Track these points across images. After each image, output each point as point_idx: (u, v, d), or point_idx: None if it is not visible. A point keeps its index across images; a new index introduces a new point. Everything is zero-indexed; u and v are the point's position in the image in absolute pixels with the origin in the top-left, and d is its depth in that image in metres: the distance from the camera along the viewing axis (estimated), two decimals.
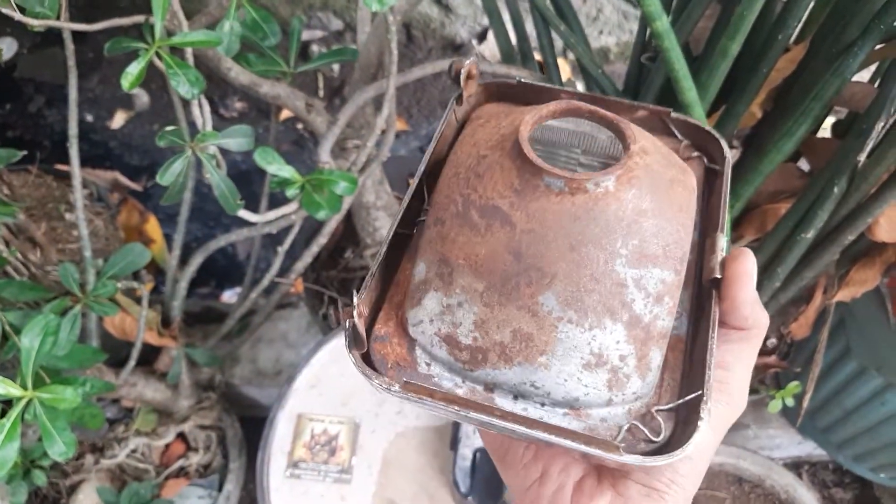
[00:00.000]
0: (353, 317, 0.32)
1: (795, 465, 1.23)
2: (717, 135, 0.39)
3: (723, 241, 0.35)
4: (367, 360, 0.34)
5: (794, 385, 0.97)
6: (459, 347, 0.32)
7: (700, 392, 0.30)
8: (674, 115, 0.39)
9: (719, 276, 0.33)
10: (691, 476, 0.32)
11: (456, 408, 0.31)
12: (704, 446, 0.32)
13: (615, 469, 0.33)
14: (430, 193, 0.38)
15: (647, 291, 0.31)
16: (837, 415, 1.02)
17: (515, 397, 0.33)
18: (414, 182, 0.37)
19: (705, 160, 0.40)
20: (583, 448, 0.30)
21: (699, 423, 0.29)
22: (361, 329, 0.32)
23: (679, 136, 0.40)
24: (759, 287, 0.80)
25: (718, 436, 0.33)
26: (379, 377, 0.32)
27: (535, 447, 0.36)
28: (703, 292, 0.35)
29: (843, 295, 0.84)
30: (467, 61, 0.39)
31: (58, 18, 0.67)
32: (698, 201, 0.37)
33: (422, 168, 0.38)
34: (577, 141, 0.39)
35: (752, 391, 1.06)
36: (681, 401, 0.32)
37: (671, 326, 0.32)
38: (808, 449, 1.18)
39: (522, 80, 0.41)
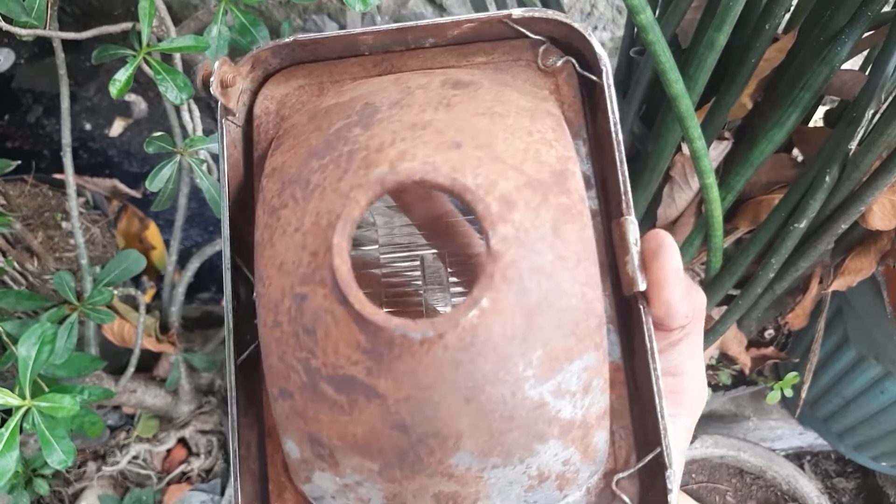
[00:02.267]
0: None
1: (797, 456, 1.23)
2: (582, 29, 0.29)
3: (635, 228, 0.27)
4: None
5: (792, 376, 0.97)
6: None
7: (658, 450, 0.26)
8: (516, 15, 0.29)
9: (642, 290, 0.27)
10: None
11: None
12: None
13: None
14: (251, 270, 0.29)
15: (571, 393, 0.25)
16: (837, 404, 1.01)
17: None
18: (226, 277, 0.28)
19: (576, 66, 0.30)
20: None
21: (668, 485, 0.26)
22: None
23: (534, 36, 0.30)
24: (754, 279, 0.79)
25: (684, 448, 0.31)
26: None
27: None
28: (623, 293, 0.29)
29: (839, 284, 0.84)
30: (217, 62, 0.29)
31: (45, 28, 0.67)
32: (585, 122, 0.30)
33: (227, 254, 0.29)
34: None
35: (751, 382, 1.06)
36: (639, 465, 0.28)
37: (607, 401, 0.27)
38: (809, 439, 1.18)
39: (298, 38, 0.30)
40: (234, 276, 0.29)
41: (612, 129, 0.28)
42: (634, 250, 0.27)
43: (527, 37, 0.30)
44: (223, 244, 0.29)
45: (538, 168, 0.25)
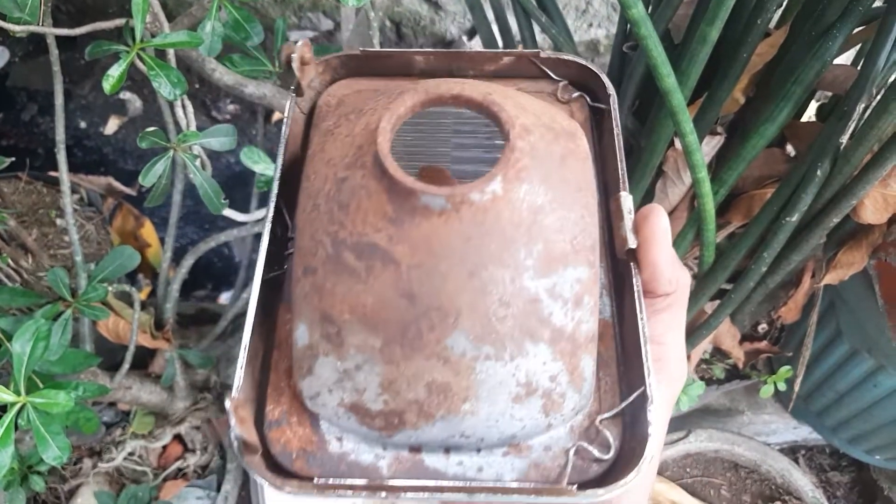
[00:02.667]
0: (233, 428, 0.26)
1: (792, 450, 1.23)
2: (595, 69, 0.35)
3: (629, 200, 0.31)
4: (266, 456, 0.29)
5: (785, 370, 0.97)
6: (370, 415, 0.28)
7: (642, 389, 0.28)
8: (544, 54, 0.36)
9: (634, 247, 0.30)
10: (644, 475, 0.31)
11: (384, 494, 0.27)
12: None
13: None
14: (292, 217, 0.32)
15: (563, 298, 0.27)
16: (831, 398, 1.02)
17: (447, 451, 0.29)
18: (270, 206, 0.32)
19: (588, 99, 0.36)
20: (534, 500, 0.27)
21: (648, 430, 0.27)
22: (250, 435, 0.26)
23: (555, 77, 0.36)
24: (747, 273, 0.80)
25: (663, 422, 0.32)
26: (288, 483, 0.27)
27: None
28: (618, 262, 0.32)
29: (831, 278, 0.84)
30: (299, 43, 0.33)
31: (39, 24, 0.67)
32: (591, 148, 0.34)
33: (275, 189, 0.32)
34: (446, 123, 0.35)
35: (745, 377, 1.06)
36: (623, 404, 0.29)
37: (596, 326, 0.29)
38: (803, 433, 1.18)
39: (365, 49, 0.36)
40: (277, 208, 0.32)
41: (616, 134, 0.34)
42: (628, 217, 0.31)
43: (549, 76, 0.37)
44: (274, 179, 0.32)
45: (553, 121, 0.30)
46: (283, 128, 0.34)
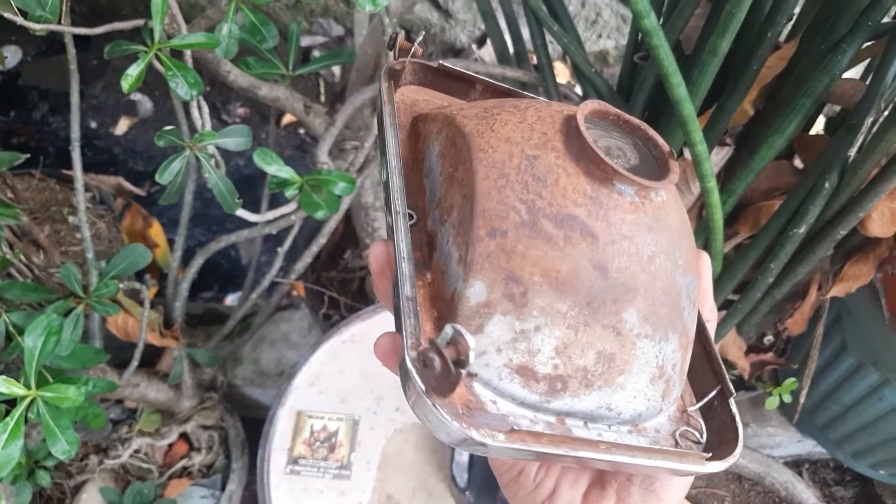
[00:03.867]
0: (422, 356, 0.26)
1: (796, 464, 1.23)
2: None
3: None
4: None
5: (790, 382, 0.97)
6: (536, 378, 0.28)
7: (720, 387, 0.33)
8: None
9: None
10: (686, 479, 0.34)
11: (565, 449, 0.27)
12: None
13: (617, 475, 0.33)
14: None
15: (690, 299, 0.32)
16: (836, 411, 1.02)
17: (586, 423, 0.30)
18: (394, 174, 0.32)
19: None
20: (674, 466, 0.29)
21: (736, 423, 0.31)
22: (449, 364, 0.25)
23: None
24: (754, 284, 0.80)
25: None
26: (484, 430, 0.27)
27: (548, 465, 0.35)
28: None
29: (838, 290, 0.84)
30: (402, 33, 0.37)
31: (59, 23, 0.68)
32: None
33: (393, 162, 0.33)
34: None
35: (750, 388, 1.06)
36: (709, 397, 0.33)
37: (693, 331, 0.33)
38: (808, 447, 1.18)
39: (442, 63, 0.38)
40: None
41: None
42: None
43: None
44: (391, 155, 0.33)
45: None
46: (386, 109, 0.35)
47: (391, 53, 0.36)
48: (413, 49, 0.36)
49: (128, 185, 1.46)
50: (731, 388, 0.32)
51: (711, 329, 0.36)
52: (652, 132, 0.31)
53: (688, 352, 0.32)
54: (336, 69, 1.85)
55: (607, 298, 0.28)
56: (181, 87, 0.68)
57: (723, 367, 0.33)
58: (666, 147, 0.31)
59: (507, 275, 0.28)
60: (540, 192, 0.29)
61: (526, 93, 0.39)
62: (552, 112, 0.32)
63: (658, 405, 0.31)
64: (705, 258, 0.36)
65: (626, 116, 0.32)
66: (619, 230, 0.29)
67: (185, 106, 0.78)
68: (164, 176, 0.65)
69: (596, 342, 0.29)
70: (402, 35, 0.36)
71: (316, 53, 1.86)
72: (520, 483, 0.35)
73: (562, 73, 1.80)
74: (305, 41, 1.87)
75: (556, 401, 0.29)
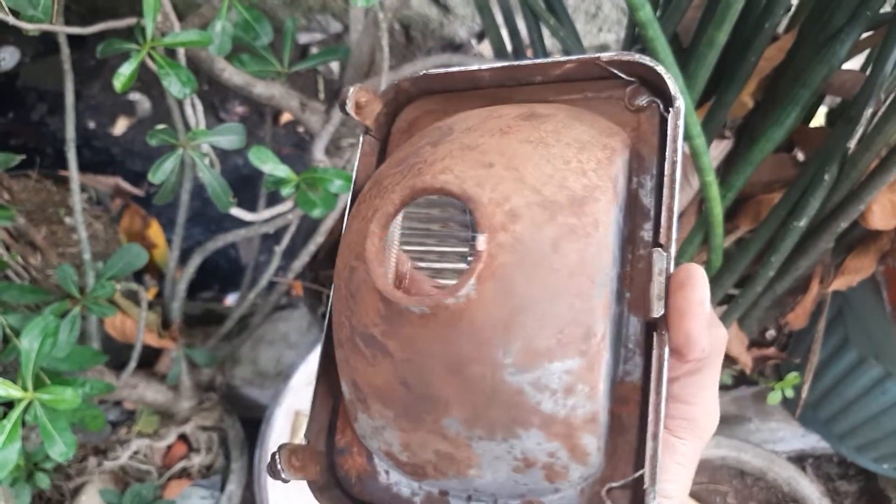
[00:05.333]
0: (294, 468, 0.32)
1: (799, 459, 1.22)
2: (661, 71, 0.31)
3: (662, 260, 0.28)
4: (333, 472, 0.33)
5: (793, 376, 0.97)
6: (400, 463, 0.31)
7: (642, 471, 0.27)
8: (605, 57, 0.32)
9: (657, 316, 0.28)
10: None
11: None
12: (682, 486, 0.31)
13: None
14: None
15: (551, 390, 0.27)
16: (839, 405, 1.01)
17: (469, 498, 0.31)
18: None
19: (661, 107, 0.32)
20: None
21: None
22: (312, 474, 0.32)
23: (627, 78, 0.33)
24: (754, 278, 0.79)
25: (690, 470, 0.31)
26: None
27: None
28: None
29: (839, 284, 0.84)
30: (352, 89, 0.34)
31: (52, 23, 0.68)
32: (657, 159, 0.32)
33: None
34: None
35: (752, 383, 1.06)
36: (629, 478, 0.29)
37: (599, 408, 0.28)
38: (811, 442, 1.18)
39: (427, 72, 0.36)
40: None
41: (671, 163, 0.30)
42: (657, 280, 0.28)
43: (619, 77, 0.33)
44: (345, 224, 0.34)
45: (556, 191, 0.28)
46: (354, 165, 0.36)
47: (347, 113, 0.35)
48: (355, 100, 0.35)
49: (126, 186, 1.46)
50: (651, 479, 0.27)
51: (715, 364, 0.31)
52: (475, 200, 0.27)
53: (577, 437, 0.28)
54: (335, 66, 1.84)
55: (420, 410, 0.29)
56: (174, 86, 0.67)
57: (653, 447, 0.27)
58: (484, 224, 0.27)
59: (351, 381, 0.31)
60: (353, 310, 0.30)
61: (529, 62, 0.35)
62: (389, 196, 0.30)
63: (545, 486, 0.29)
64: (691, 287, 0.27)
65: (449, 188, 0.28)
66: (410, 347, 0.28)
67: (181, 104, 0.77)
68: (157, 175, 0.64)
69: (428, 443, 0.29)
70: (353, 92, 0.34)
71: (314, 51, 1.86)
72: None
73: None
74: (303, 38, 1.87)
75: (425, 482, 0.31)
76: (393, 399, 0.29)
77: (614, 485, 0.29)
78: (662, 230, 0.29)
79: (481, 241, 0.27)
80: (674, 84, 0.31)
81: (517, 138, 0.30)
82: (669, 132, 0.30)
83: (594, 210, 0.28)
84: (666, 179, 0.30)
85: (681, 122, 0.30)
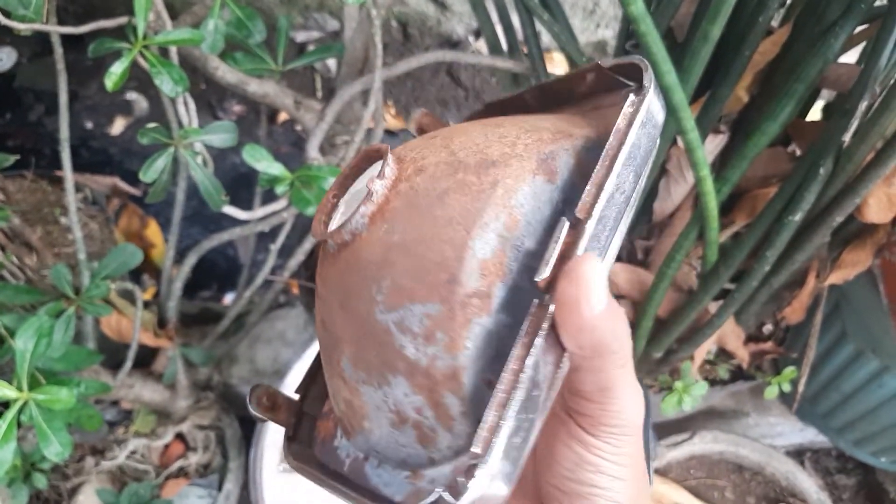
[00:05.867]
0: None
1: (798, 453, 1.22)
2: (637, 60, 0.30)
3: (563, 228, 0.27)
4: (313, 433, 0.35)
5: (790, 370, 0.97)
6: (335, 419, 0.33)
7: (468, 447, 0.25)
8: (604, 63, 0.32)
9: (539, 279, 0.26)
10: None
11: (315, 481, 0.32)
12: (624, 489, 0.29)
13: None
14: None
15: (413, 333, 0.27)
16: (836, 399, 1.01)
17: (380, 463, 0.30)
18: None
19: (631, 94, 0.31)
20: None
21: (469, 482, 0.25)
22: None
23: (627, 82, 0.32)
24: (750, 273, 0.79)
25: (631, 466, 0.29)
26: (290, 457, 0.34)
27: None
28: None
29: (836, 277, 0.83)
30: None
31: (45, 22, 0.68)
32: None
33: None
34: None
35: (750, 377, 1.06)
36: (457, 459, 0.27)
37: (460, 366, 0.27)
38: (809, 436, 1.18)
39: (490, 102, 0.37)
40: None
41: (613, 137, 0.29)
42: (552, 246, 0.27)
43: (624, 84, 0.32)
44: None
45: (470, 155, 0.29)
46: None
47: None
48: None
49: (124, 186, 1.46)
50: (489, 450, 0.25)
51: (613, 359, 0.27)
52: (381, 152, 0.30)
53: (439, 393, 0.27)
54: (332, 64, 1.84)
55: (331, 351, 0.31)
56: (166, 84, 0.67)
57: (494, 422, 0.25)
58: (382, 169, 0.29)
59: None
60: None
61: (557, 78, 0.35)
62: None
63: (421, 453, 0.28)
64: (575, 279, 0.25)
65: (372, 151, 0.31)
66: (324, 283, 0.30)
67: (174, 103, 0.77)
68: (149, 174, 0.64)
69: (340, 391, 0.30)
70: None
71: (311, 49, 1.85)
72: None
73: (560, 64, 1.79)
74: (301, 37, 1.87)
75: (351, 440, 0.32)
76: (322, 345, 0.31)
77: (474, 462, 0.25)
78: (581, 203, 0.27)
79: (379, 186, 0.29)
80: (649, 73, 0.30)
81: (480, 123, 0.32)
82: (625, 110, 0.29)
83: (499, 173, 0.28)
84: (604, 152, 0.28)
85: (645, 106, 0.29)
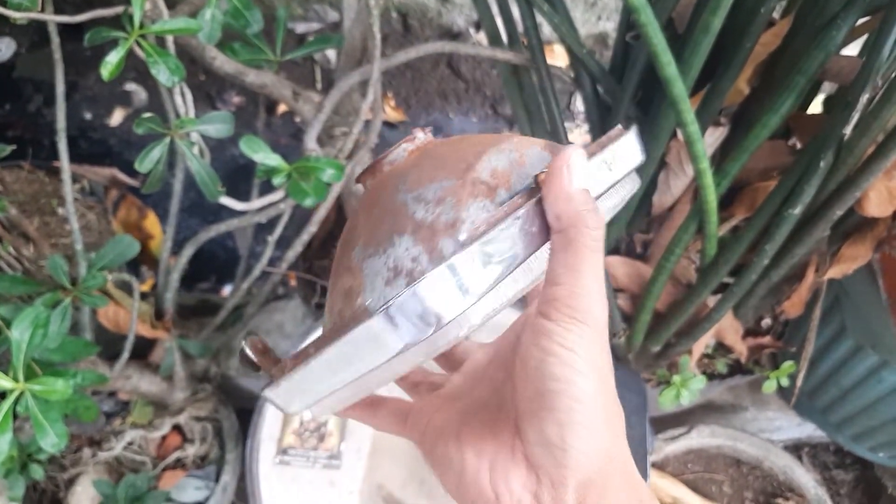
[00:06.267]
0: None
1: (796, 447, 1.22)
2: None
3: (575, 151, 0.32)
4: None
5: (788, 365, 0.96)
6: None
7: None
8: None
9: (537, 174, 0.32)
10: (580, 416, 0.30)
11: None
12: (574, 374, 0.30)
13: (524, 441, 0.32)
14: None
15: (426, 201, 0.33)
16: (835, 394, 1.01)
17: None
18: None
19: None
20: (342, 341, 0.31)
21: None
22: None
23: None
24: (749, 266, 0.79)
25: (583, 360, 0.30)
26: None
27: (456, 440, 0.35)
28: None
29: (835, 272, 0.83)
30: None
31: (42, 11, 0.67)
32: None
33: None
34: None
35: (748, 372, 1.05)
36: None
37: (461, 217, 0.32)
38: (808, 431, 1.17)
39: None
40: None
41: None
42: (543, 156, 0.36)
43: None
44: None
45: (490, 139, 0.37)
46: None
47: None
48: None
49: (122, 177, 1.45)
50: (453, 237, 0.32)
51: (579, 246, 0.31)
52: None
53: (437, 239, 0.32)
54: (332, 55, 1.83)
55: (340, 259, 0.35)
56: (163, 74, 0.67)
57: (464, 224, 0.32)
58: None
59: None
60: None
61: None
62: None
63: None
64: (564, 155, 0.31)
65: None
66: (359, 209, 0.37)
67: (171, 92, 0.77)
68: (144, 164, 0.64)
69: (341, 283, 0.34)
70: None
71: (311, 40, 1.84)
72: (441, 468, 0.36)
73: (561, 56, 1.78)
74: (301, 28, 1.86)
75: None
76: (334, 270, 0.35)
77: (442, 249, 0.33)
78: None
79: (421, 134, 0.37)
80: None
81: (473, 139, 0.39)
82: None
83: (513, 138, 0.36)
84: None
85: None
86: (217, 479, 1.01)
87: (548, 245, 0.32)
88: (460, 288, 0.29)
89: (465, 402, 0.38)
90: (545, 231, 0.31)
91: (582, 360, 0.30)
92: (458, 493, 0.34)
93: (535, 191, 0.32)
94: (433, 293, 0.29)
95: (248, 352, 0.35)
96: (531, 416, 0.31)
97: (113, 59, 0.64)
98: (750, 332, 1.04)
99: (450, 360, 0.43)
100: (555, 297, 0.30)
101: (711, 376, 1.06)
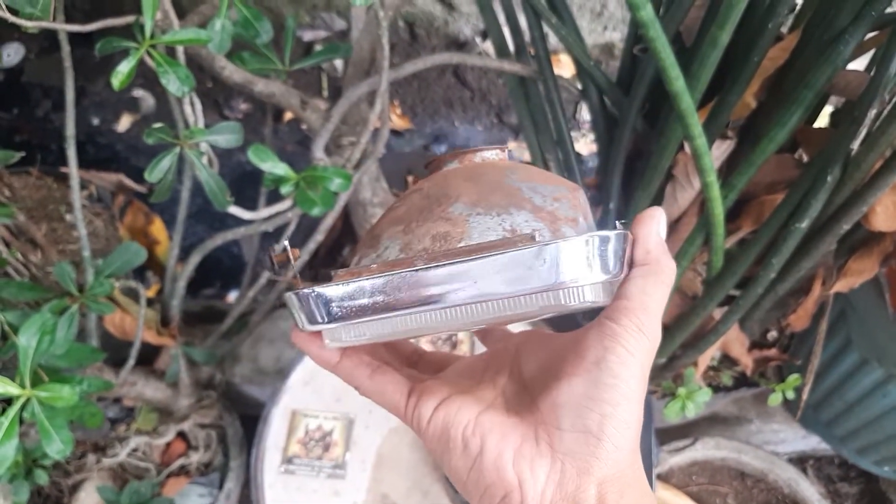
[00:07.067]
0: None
1: (800, 460, 1.22)
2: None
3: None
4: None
5: (794, 378, 0.96)
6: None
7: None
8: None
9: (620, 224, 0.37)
10: (624, 413, 0.33)
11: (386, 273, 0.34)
12: (629, 375, 0.33)
13: (551, 428, 0.34)
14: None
15: (542, 195, 0.36)
16: (840, 407, 1.01)
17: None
18: None
19: None
20: (506, 253, 0.32)
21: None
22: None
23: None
24: (755, 279, 0.79)
25: (638, 365, 0.33)
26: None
27: (474, 424, 0.36)
28: None
29: (842, 285, 0.83)
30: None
31: (53, 20, 0.68)
32: None
33: None
34: None
35: (753, 384, 1.05)
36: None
37: (579, 218, 0.36)
38: (812, 443, 1.17)
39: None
40: None
41: None
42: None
43: None
44: None
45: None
46: None
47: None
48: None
49: (129, 183, 1.46)
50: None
51: (657, 278, 0.36)
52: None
53: (559, 224, 0.35)
54: (339, 64, 1.84)
55: (432, 205, 0.36)
56: (173, 84, 0.67)
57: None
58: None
59: (371, 235, 0.39)
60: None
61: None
62: None
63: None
64: (650, 210, 0.37)
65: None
66: (437, 177, 0.39)
67: (180, 102, 0.77)
68: (154, 173, 0.64)
69: (430, 231, 0.35)
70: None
71: (318, 49, 1.85)
72: (450, 449, 0.36)
73: (567, 66, 1.78)
74: (308, 36, 1.87)
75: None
76: (409, 212, 0.37)
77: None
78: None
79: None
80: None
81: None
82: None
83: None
84: None
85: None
86: (221, 487, 1.01)
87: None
88: (587, 260, 0.32)
89: (486, 387, 0.39)
90: (624, 259, 0.35)
91: (639, 365, 0.33)
92: (470, 477, 0.35)
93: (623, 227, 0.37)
94: (575, 254, 0.32)
95: (272, 258, 0.38)
96: (574, 405, 0.33)
97: (124, 69, 0.64)
98: (756, 345, 1.04)
99: (487, 338, 0.47)
100: (627, 308, 0.34)
101: (717, 388, 1.06)
